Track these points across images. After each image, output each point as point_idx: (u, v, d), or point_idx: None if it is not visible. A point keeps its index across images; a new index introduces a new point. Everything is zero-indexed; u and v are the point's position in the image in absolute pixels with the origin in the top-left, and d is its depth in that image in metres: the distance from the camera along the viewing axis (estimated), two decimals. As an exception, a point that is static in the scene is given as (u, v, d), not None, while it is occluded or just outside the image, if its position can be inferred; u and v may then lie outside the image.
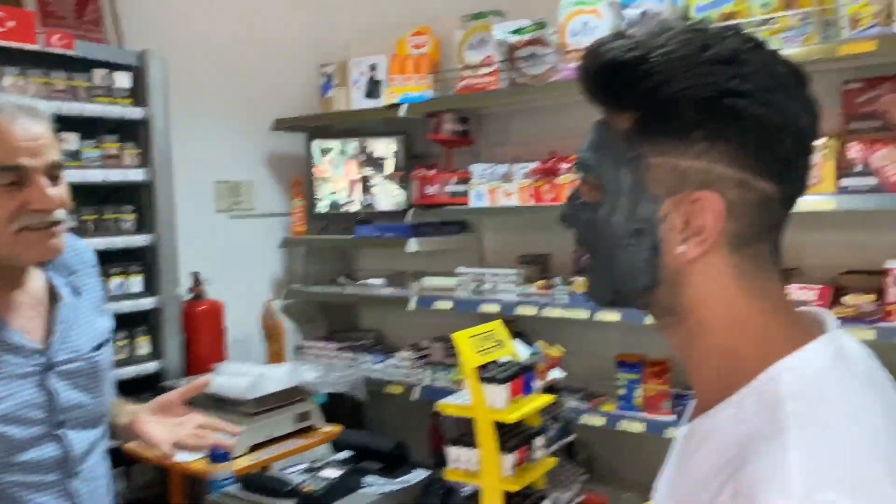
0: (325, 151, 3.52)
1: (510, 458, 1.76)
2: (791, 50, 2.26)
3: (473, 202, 3.03)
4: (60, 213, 1.35)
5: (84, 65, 2.62)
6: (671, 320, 0.78)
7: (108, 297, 1.64)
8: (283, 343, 3.55)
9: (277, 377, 2.64)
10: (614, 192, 0.76)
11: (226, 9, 3.44)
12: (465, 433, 1.92)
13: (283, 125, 3.54)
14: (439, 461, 2.36)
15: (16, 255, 1.33)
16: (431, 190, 3.13)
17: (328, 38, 3.81)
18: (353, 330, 3.86)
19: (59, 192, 1.34)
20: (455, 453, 1.86)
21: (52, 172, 1.33)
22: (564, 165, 2.78)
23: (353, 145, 3.47)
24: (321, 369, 2.75)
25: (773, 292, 0.76)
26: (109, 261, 2.64)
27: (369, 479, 2.31)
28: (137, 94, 2.77)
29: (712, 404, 0.75)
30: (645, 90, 0.72)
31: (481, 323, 1.94)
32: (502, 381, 1.77)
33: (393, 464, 2.39)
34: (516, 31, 2.83)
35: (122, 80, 2.72)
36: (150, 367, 2.76)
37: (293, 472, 2.36)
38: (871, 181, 2.17)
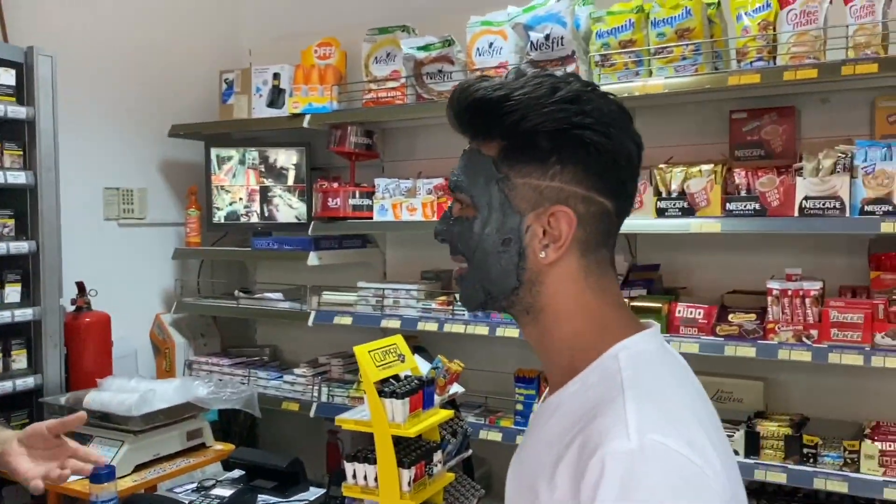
0: (223, 160, 3.42)
1: (408, 474, 1.75)
2: (683, 79, 2.38)
3: (377, 216, 3.02)
4: None
5: (-38, 58, 2.45)
6: (529, 318, 0.94)
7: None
8: (174, 358, 3.40)
9: (166, 393, 2.52)
10: (485, 208, 0.91)
11: (123, 9, 3.30)
12: (361, 449, 1.89)
13: (179, 131, 3.42)
14: (335, 479, 2.32)
15: None
16: (334, 203, 3.09)
17: (231, 44, 3.72)
18: (248, 345, 3.75)
19: None
20: (352, 469, 1.82)
21: None
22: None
23: (253, 155, 3.39)
24: (213, 385, 2.64)
25: (611, 289, 0.94)
26: (-16, 268, 2.47)
27: (262, 497, 2.24)
28: (21, 93, 2.61)
29: (563, 384, 0.91)
30: (508, 123, 0.88)
31: (382, 338, 1.92)
32: (402, 396, 1.75)
33: (287, 482, 2.33)
34: (424, 48, 2.85)
35: (6, 76, 2.56)
36: (28, 382, 2.59)
37: (182, 493, 2.26)
38: (754, 205, 2.30)
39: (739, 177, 2.38)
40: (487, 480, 2.76)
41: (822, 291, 2.32)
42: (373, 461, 1.79)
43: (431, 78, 2.88)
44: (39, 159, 2.62)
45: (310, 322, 3.10)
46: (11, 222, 2.60)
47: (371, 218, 3.05)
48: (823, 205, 2.21)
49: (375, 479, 1.78)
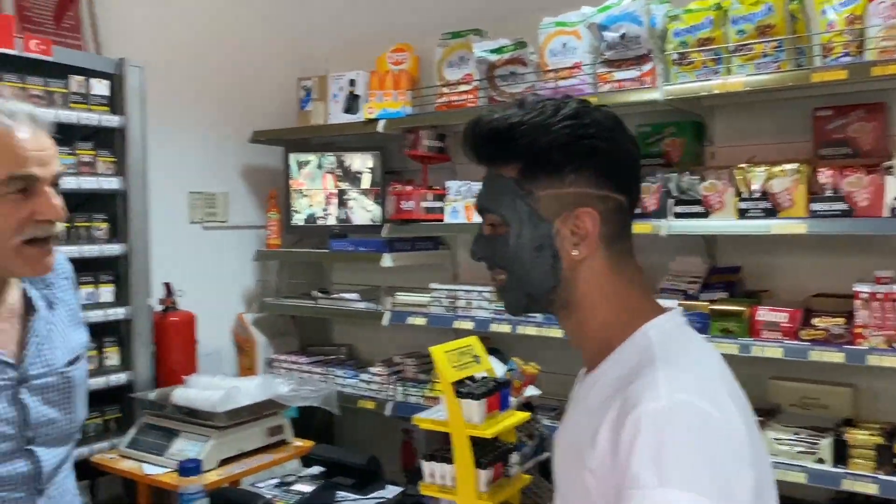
0: (301, 165, 3.51)
1: (485, 475, 1.76)
2: (764, 76, 2.32)
3: (448, 218, 3.05)
4: (59, 227, 1.33)
5: (61, 71, 2.59)
6: (567, 312, 1.06)
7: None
8: (255, 356, 3.51)
9: (249, 390, 2.60)
10: (516, 223, 1.03)
11: (207, 20, 3.43)
12: (438, 449, 1.91)
13: (260, 137, 3.53)
14: (411, 477, 2.35)
15: (10, 268, 1.30)
16: (407, 205, 3.13)
17: (308, 52, 3.82)
18: (325, 344, 3.84)
19: (62, 203, 1.32)
20: (430, 468, 1.85)
21: (55, 183, 1.31)
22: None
23: (329, 159, 3.47)
24: (293, 383, 2.72)
25: (636, 276, 1.06)
26: (80, 269, 2.59)
27: (341, 494, 2.29)
28: (114, 102, 2.74)
29: (599, 364, 1.03)
30: (524, 146, 1.01)
31: (454, 339, 1.94)
32: (479, 397, 1.77)
33: (365, 480, 2.38)
34: (496, 50, 2.86)
35: (100, 87, 2.69)
36: (120, 378, 2.71)
37: (264, 487, 2.33)
38: (841, 206, 2.22)
39: (825, 176, 2.29)
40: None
41: (915, 295, 2.22)
42: (450, 461, 1.81)
43: (504, 80, 2.89)
44: (130, 166, 2.74)
45: (384, 322, 3.16)
46: (105, 226, 2.73)
47: (443, 220, 3.08)
48: (916, 204, 2.12)
49: (453, 479, 1.80)
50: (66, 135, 2.60)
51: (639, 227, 2.48)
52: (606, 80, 2.62)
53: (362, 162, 3.44)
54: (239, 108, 3.56)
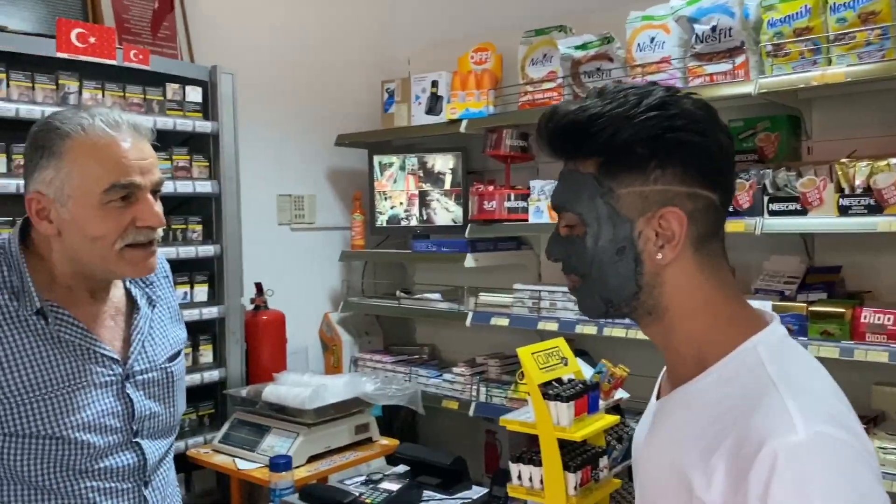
0: (384, 167, 3.55)
1: (574, 478, 1.73)
2: (868, 66, 2.20)
3: (532, 218, 3.02)
4: (160, 232, 1.39)
5: (158, 79, 2.70)
6: (652, 318, 0.97)
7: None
8: (341, 355, 3.58)
9: (337, 388, 2.65)
10: (595, 223, 0.95)
11: (293, 28, 3.51)
12: (526, 451, 1.89)
13: (345, 140, 3.59)
14: (497, 479, 2.34)
15: (114, 270, 1.36)
16: (489, 205, 3.12)
17: (391, 55, 3.86)
18: (408, 344, 3.87)
19: (161, 209, 1.38)
20: (517, 470, 1.83)
21: (156, 190, 1.37)
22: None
23: (412, 161, 3.50)
24: (379, 382, 2.75)
25: (728, 281, 0.97)
26: (176, 270, 2.69)
27: (427, 494, 2.29)
28: (207, 108, 2.84)
29: (689, 377, 0.94)
30: (603, 140, 0.92)
31: (538, 340, 1.92)
32: (567, 399, 1.74)
33: (450, 480, 2.38)
34: (581, 47, 2.82)
35: (193, 94, 2.79)
36: (213, 375, 2.80)
37: (351, 485, 2.36)
38: (953, 202, 2.09)
39: (935, 170, 2.16)
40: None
41: None
42: (538, 463, 1.79)
43: (589, 77, 2.84)
44: (223, 170, 2.83)
45: (467, 322, 3.16)
46: (199, 228, 2.84)
47: (526, 220, 3.06)
48: None
49: (541, 482, 1.78)
50: (162, 141, 2.70)
51: (731, 226, 2.40)
52: (697, 75, 2.54)
53: (444, 163, 3.45)
54: (324, 112, 3.63)
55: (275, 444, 2.52)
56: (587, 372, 1.94)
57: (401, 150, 3.58)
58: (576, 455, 1.78)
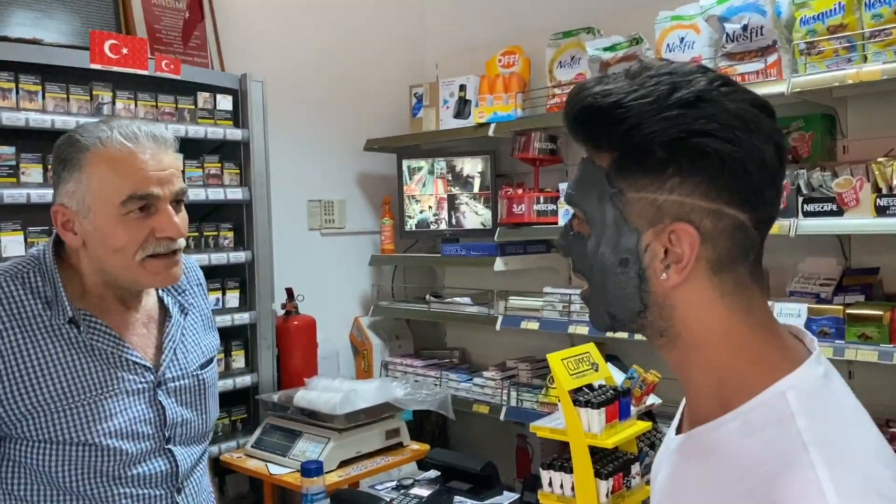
0: (414, 171, 3.56)
1: (606, 485, 1.72)
2: (906, 63, 2.15)
3: (562, 221, 3.00)
4: (182, 241, 1.40)
5: (189, 88, 2.74)
6: (665, 340, 0.84)
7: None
8: (371, 359, 3.59)
9: (367, 393, 2.66)
10: (599, 225, 0.83)
11: (321, 34, 3.54)
12: (557, 457, 1.88)
13: (374, 145, 3.60)
14: (527, 484, 2.33)
15: (138, 280, 1.38)
16: (519, 209, 3.11)
17: (419, 59, 3.87)
18: (438, 348, 3.87)
19: (183, 219, 1.39)
20: (548, 477, 1.82)
21: (178, 199, 1.38)
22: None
23: (441, 165, 3.50)
24: (410, 386, 2.76)
25: (756, 309, 0.82)
26: (208, 276, 2.72)
27: (458, 499, 2.29)
28: (237, 116, 2.87)
29: (710, 416, 0.81)
30: (620, 133, 0.78)
31: (569, 344, 1.91)
32: (598, 406, 1.73)
33: (481, 485, 2.37)
34: (610, 48, 2.80)
35: (224, 102, 2.82)
36: (245, 380, 2.83)
37: (382, 490, 2.37)
38: None
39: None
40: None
41: None
42: (569, 470, 1.78)
43: (618, 79, 2.82)
44: (253, 176, 2.86)
45: (497, 326, 3.15)
46: (231, 234, 2.87)
47: (556, 223, 3.04)
48: None
49: (572, 489, 1.77)
50: (194, 149, 2.75)
51: (765, 228, 2.36)
52: (728, 74, 2.50)
53: (473, 166, 3.45)
54: (353, 117, 3.65)
55: (306, 448, 2.54)
56: (618, 377, 1.92)
57: (429, 154, 3.59)
58: (607, 462, 1.76)
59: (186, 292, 1.56)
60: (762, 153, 0.78)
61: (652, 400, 1.98)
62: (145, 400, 1.40)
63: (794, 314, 2.37)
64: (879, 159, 2.27)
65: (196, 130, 2.70)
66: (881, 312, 2.25)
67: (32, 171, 2.35)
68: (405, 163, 3.56)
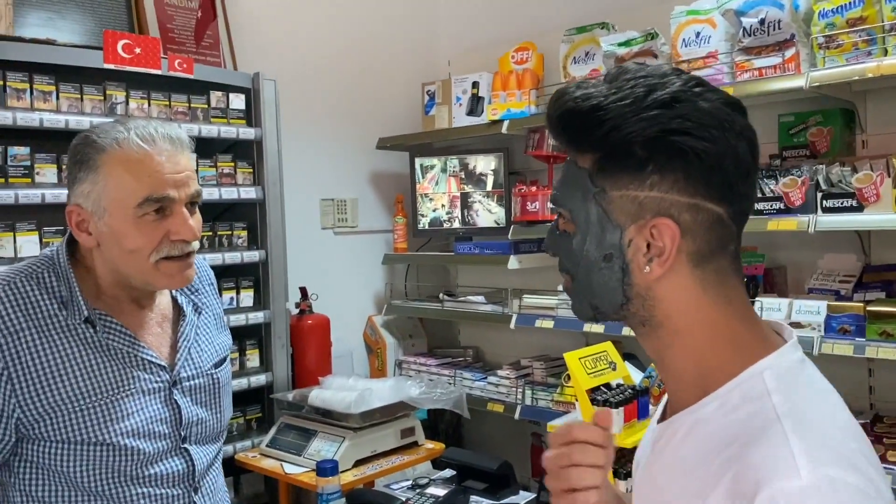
0: (426, 169, 3.54)
1: (625, 485, 1.70)
2: (927, 56, 2.12)
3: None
4: (196, 244, 1.39)
5: (202, 87, 2.73)
6: (646, 329, 0.89)
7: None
8: (385, 358, 3.58)
9: (382, 392, 2.65)
10: (584, 223, 0.87)
11: (333, 32, 3.53)
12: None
13: (386, 143, 3.59)
14: (543, 483, 2.31)
15: (152, 282, 1.38)
16: (532, 206, 3.09)
17: (432, 57, 3.85)
18: (452, 346, 3.86)
19: (197, 222, 1.38)
20: (566, 477, 1.80)
21: (192, 202, 1.38)
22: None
23: (454, 162, 3.48)
24: (424, 385, 2.74)
25: (736, 299, 0.87)
26: (222, 276, 2.73)
27: (474, 499, 2.28)
28: (250, 115, 2.86)
29: (690, 401, 0.86)
30: (600, 135, 0.83)
31: (584, 343, 1.89)
32: (616, 405, 1.71)
33: (497, 484, 2.36)
34: (624, 43, 2.77)
35: (237, 101, 2.82)
36: (260, 379, 2.82)
37: (398, 489, 2.36)
38: None
39: None
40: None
41: None
42: (587, 470, 1.76)
43: (633, 74, 2.79)
44: (266, 175, 2.85)
45: (512, 325, 3.13)
46: (244, 234, 2.86)
47: (571, 220, 3.01)
48: None
49: (590, 489, 1.75)
50: (207, 148, 2.75)
51: (783, 224, 2.34)
52: (745, 69, 2.47)
53: (486, 164, 3.43)
54: (365, 116, 3.64)
55: (321, 448, 2.53)
56: (636, 376, 1.90)
57: (442, 151, 3.57)
58: (626, 462, 1.74)
59: (200, 292, 1.56)
60: (736, 149, 0.83)
61: (670, 399, 1.96)
62: (161, 399, 1.39)
63: (814, 311, 2.34)
64: (900, 154, 2.24)
65: (209, 130, 2.69)
66: (903, 309, 2.22)
67: (47, 172, 2.36)
68: (418, 161, 3.55)
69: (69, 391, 1.30)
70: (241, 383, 2.73)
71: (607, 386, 1.80)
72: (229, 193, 2.76)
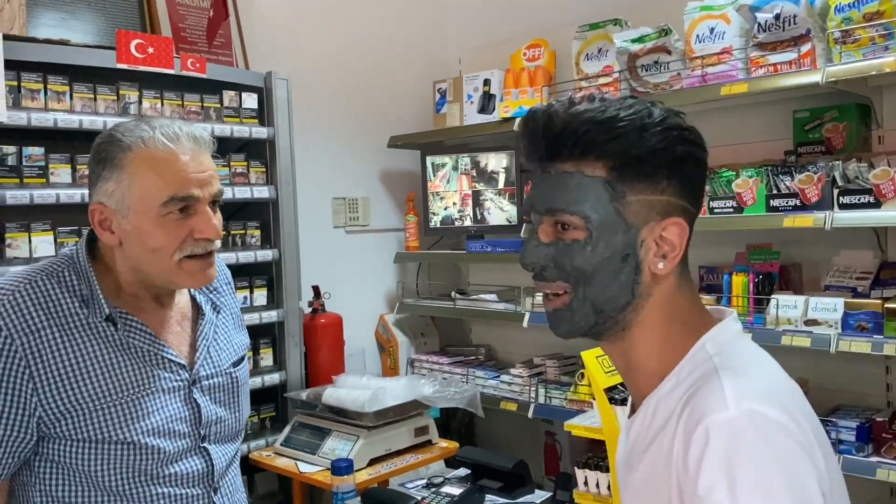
0: (438, 167, 3.54)
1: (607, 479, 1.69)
2: (946, 50, 2.10)
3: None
4: (218, 243, 1.39)
5: (214, 87, 2.73)
6: (621, 335, 0.96)
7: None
8: (397, 356, 3.58)
9: (395, 391, 2.64)
10: (599, 228, 0.92)
11: (343, 31, 3.52)
12: (592, 456, 1.86)
13: (397, 142, 3.58)
14: (559, 482, 2.30)
15: (174, 281, 1.38)
16: (544, 204, 3.07)
17: (443, 55, 3.85)
18: (464, 344, 3.85)
19: (219, 220, 1.38)
20: (584, 476, 1.80)
21: (214, 201, 1.38)
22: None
23: (465, 160, 3.48)
24: (438, 384, 2.74)
25: (692, 289, 0.99)
26: (235, 275, 2.72)
27: (489, 498, 2.27)
28: (263, 114, 2.86)
29: (653, 389, 0.95)
30: (623, 144, 0.91)
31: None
32: (634, 403, 1.70)
33: (512, 483, 2.35)
34: (638, 40, 2.76)
35: (249, 100, 2.82)
36: (274, 378, 2.83)
37: (413, 488, 2.35)
38: None
39: None
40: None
41: None
42: (605, 469, 1.75)
43: (646, 70, 2.78)
44: (279, 175, 2.85)
45: (525, 323, 3.12)
46: (258, 233, 2.86)
47: (584, 218, 3.00)
48: None
49: (608, 488, 1.74)
50: (220, 147, 2.73)
51: (800, 221, 2.32)
52: (759, 65, 2.46)
53: (497, 162, 3.42)
54: (377, 114, 3.63)
55: (335, 446, 2.53)
56: (653, 374, 1.89)
57: (453, 150, 3.56)
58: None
59: (218, 291, 1.56)
60: (706, 157, 0.98)
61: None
62: (181, 398, 1.39)
63: (831, 308, 2.32)
64: (918, 149, 2.22)
65: (222, 129, 2.69)
66: (921, 306, 2.20)
67: (61, 172, 2.36)
68: (429, 159, 3.54)
69: (91, 389, 1.30)
70: (255, 382, 2.73)
71: (623, 385, 1.80)
72: (242, 193, 2.76)
